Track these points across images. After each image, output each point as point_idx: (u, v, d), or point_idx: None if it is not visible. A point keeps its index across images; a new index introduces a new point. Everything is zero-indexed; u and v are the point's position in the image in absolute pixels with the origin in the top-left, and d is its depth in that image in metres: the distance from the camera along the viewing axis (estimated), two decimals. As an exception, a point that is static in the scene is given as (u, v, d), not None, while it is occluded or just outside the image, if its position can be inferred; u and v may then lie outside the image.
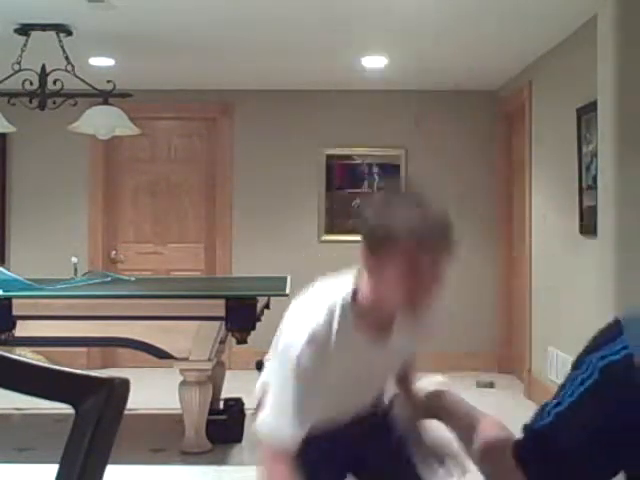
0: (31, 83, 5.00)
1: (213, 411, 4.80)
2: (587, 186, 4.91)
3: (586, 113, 4.82)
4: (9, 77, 4.93)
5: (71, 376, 0.92)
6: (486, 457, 1.69)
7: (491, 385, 6.45)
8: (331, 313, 1.86)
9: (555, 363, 5.54)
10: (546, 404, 1.43)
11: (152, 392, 5.66)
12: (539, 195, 6.05)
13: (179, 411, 4.62)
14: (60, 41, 5.00)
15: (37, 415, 5.34)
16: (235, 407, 4.97)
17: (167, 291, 5.05)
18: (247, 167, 7.28)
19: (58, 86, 5.02)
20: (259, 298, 4.64)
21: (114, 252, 7.33)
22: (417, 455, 2.15)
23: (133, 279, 5.45)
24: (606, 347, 1.34)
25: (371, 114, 7.24)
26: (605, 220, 3.55)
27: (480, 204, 7.23)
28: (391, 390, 2.23)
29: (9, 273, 4.91)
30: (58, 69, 5.00)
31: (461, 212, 7.21)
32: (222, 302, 4.41)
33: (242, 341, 4.55)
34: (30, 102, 5.03)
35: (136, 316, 4.45)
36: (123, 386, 0.91)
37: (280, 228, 7.24)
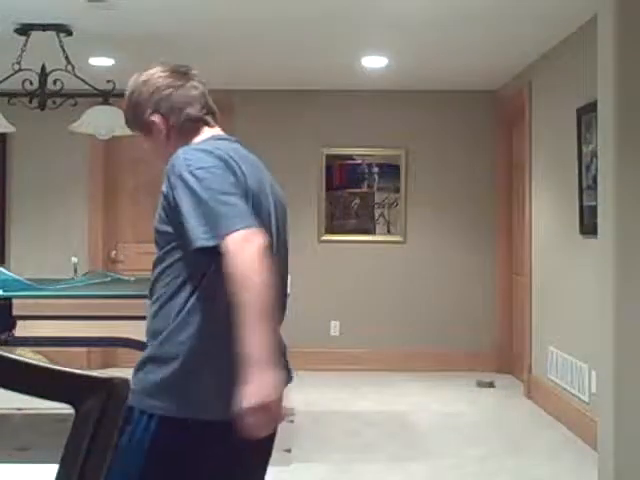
0: (31, 83, 4.99)
1: (213, 411, 4.79)
2: (587, 186, 4.91)
3: (586, 113, 4.82)
4: (9, 77, 4.93)
5: (71, 376, 0.92)
6: None
7: (491, 385, 6.45)
8: None
9: (555, 363, 5.54)
10: None
11: (152, 392, 5.65)
12: (539, 195, 6.05)
13: (179, 411, 4.61)
14: (60, 41, 5.00)
15: (37, 415, 5.34)
16: (235, 407, 4.96)
17: (167, 291, 5.03)
18: (247, 167, 7.27)
19: (58, 86, 5.01)
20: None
21: (114, 252, 7.33)
22: None
23: (133, 279, 5.44)
24: None
25: (371, 114, 7.24)
26: (605, 220, 3.55)
27: (480, 204, 7.23)
28: None
29: (9, 273, 4.91)
30: (58, 69, 5.00)
31: (461, 212, 7.25)
32: (222, 302, 4.40)
33: (242, 341, 4.54)
34: (30, 102, 5.02)
35: (136, 316, 4.43)
36: (123, 386, 0.91)
37: (280, 228, 7.22)
